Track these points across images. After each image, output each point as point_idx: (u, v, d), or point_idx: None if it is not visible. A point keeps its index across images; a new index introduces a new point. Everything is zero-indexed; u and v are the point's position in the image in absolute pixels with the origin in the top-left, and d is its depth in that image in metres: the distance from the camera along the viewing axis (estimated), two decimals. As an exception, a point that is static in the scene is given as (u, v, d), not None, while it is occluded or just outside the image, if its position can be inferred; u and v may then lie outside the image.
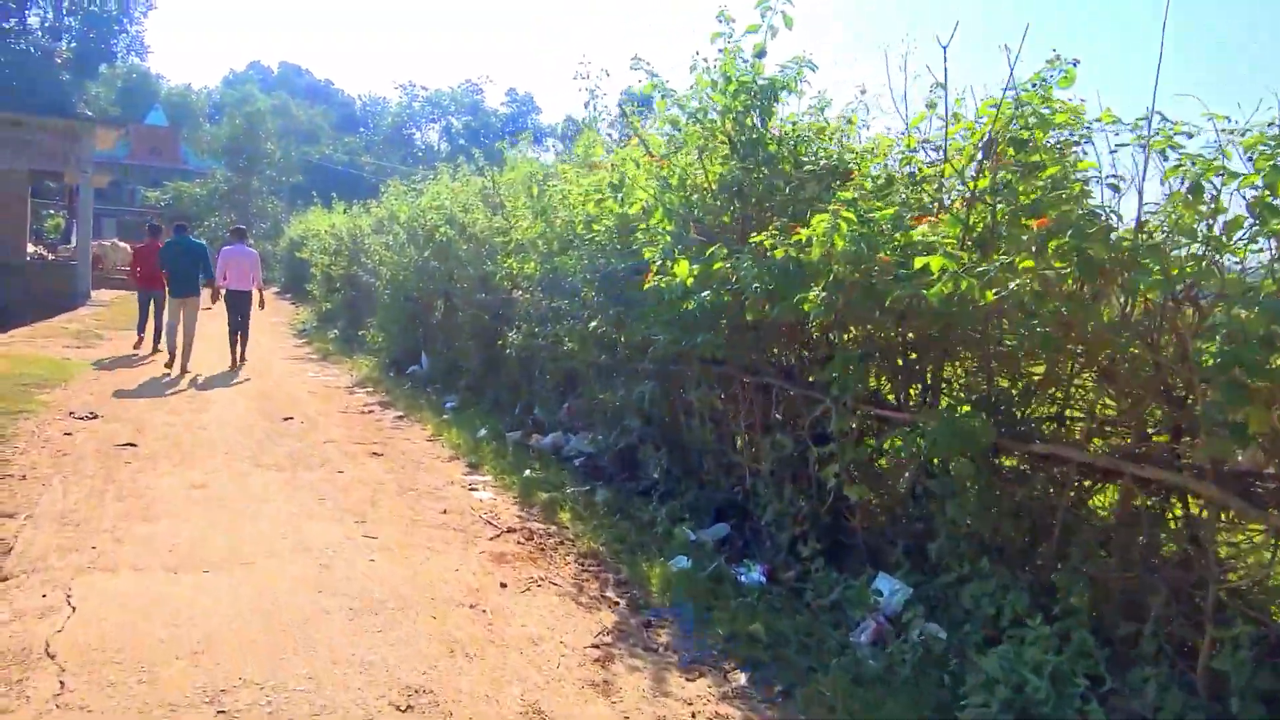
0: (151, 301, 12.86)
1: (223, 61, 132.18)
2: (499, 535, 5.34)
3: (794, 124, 4.85)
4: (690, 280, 4.29)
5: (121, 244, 29.87)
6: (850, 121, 4.90)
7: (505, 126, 61.26)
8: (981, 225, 3.58)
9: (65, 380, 9.68)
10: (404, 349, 12.39)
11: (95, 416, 7.93)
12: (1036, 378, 3.96)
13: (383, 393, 10.52)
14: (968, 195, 3.67)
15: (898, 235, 3.71)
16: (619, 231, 5.71)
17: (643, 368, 6.14)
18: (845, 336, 4.55)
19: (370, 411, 9.26)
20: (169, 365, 11.08)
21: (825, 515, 4.66)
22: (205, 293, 11.64)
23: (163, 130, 50.70)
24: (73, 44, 47.12)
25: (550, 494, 6.20)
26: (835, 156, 4.76)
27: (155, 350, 12.63)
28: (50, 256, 24.21)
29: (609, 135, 9.11)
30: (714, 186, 4.77)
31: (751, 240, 4.18)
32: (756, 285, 3.91)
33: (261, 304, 12.55)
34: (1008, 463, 4.01)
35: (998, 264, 3.17)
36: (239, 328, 12.01)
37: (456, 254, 10.16)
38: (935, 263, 3.21)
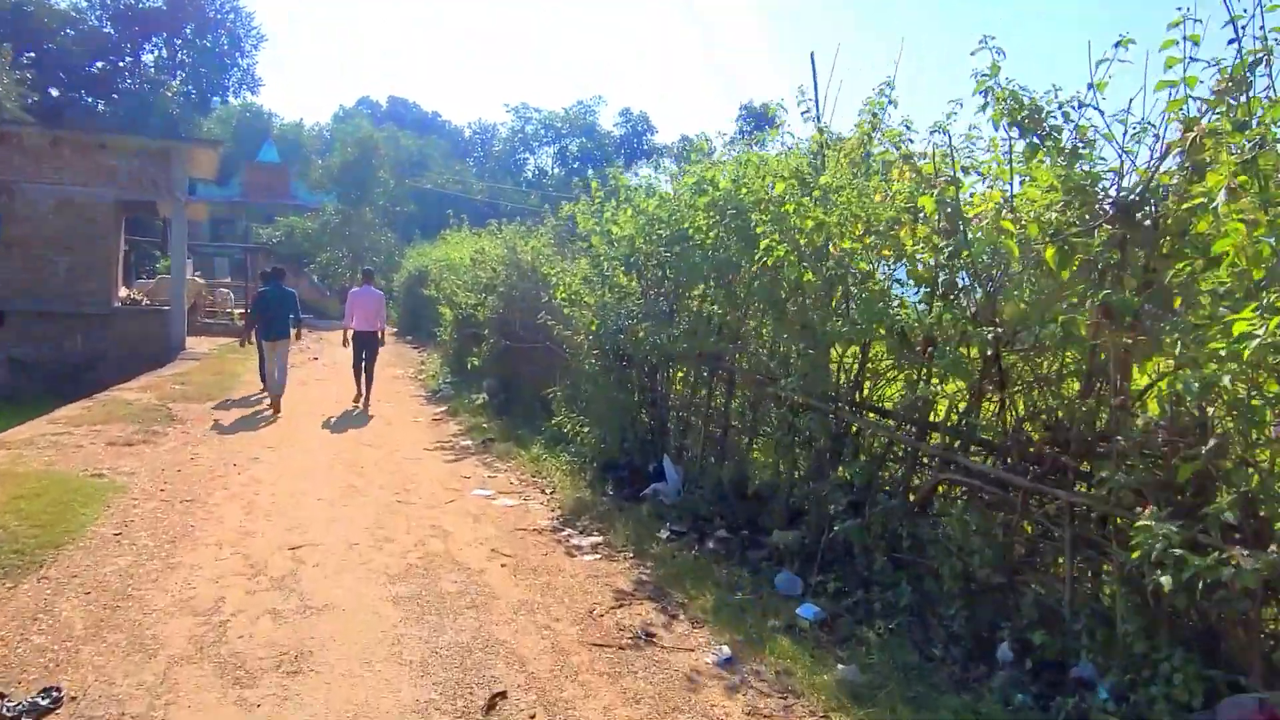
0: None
1: (333, 98, 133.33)
2: None
3: None
4: None
5: (199, 279, 26.07)
6: None
7: (619, 148, 56.99)
8: None
9: (68, 538, 5.24)
10: (623, 444, 7.61)
11: (63, 699, 3.36)
12: None
13: (630, 551, 5.68)
14: None
15: None
16: None
17: None
18: None
19: (651, 635, 4.35)
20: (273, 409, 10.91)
21: None
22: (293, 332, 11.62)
23: (275, 167, 48.55)
24: (186, 80, 45.73)
25: None
26: None
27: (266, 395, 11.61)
28: (145, 302, 20.73)
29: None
30: None
31: None
32: None
33: (381, 341, 12.50)
34: None
35: None
36: (365, 367, 12.07)
37: (784, 289, 5.31)
38: None
